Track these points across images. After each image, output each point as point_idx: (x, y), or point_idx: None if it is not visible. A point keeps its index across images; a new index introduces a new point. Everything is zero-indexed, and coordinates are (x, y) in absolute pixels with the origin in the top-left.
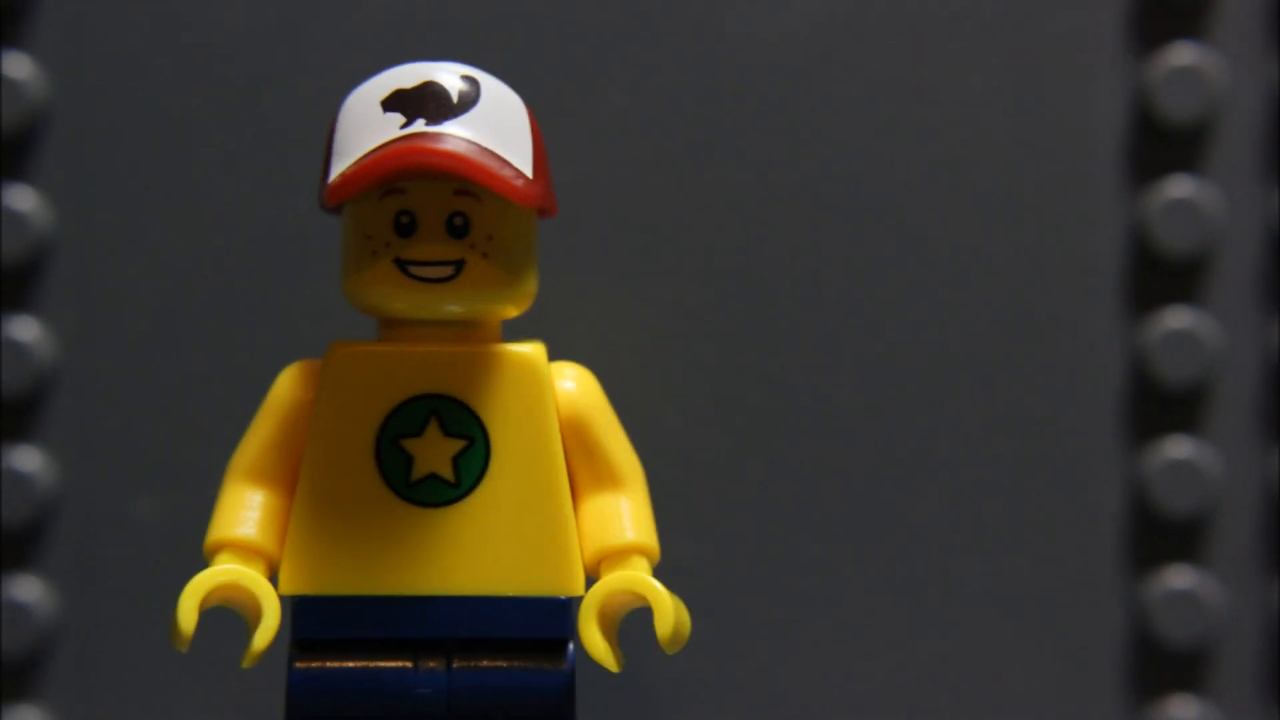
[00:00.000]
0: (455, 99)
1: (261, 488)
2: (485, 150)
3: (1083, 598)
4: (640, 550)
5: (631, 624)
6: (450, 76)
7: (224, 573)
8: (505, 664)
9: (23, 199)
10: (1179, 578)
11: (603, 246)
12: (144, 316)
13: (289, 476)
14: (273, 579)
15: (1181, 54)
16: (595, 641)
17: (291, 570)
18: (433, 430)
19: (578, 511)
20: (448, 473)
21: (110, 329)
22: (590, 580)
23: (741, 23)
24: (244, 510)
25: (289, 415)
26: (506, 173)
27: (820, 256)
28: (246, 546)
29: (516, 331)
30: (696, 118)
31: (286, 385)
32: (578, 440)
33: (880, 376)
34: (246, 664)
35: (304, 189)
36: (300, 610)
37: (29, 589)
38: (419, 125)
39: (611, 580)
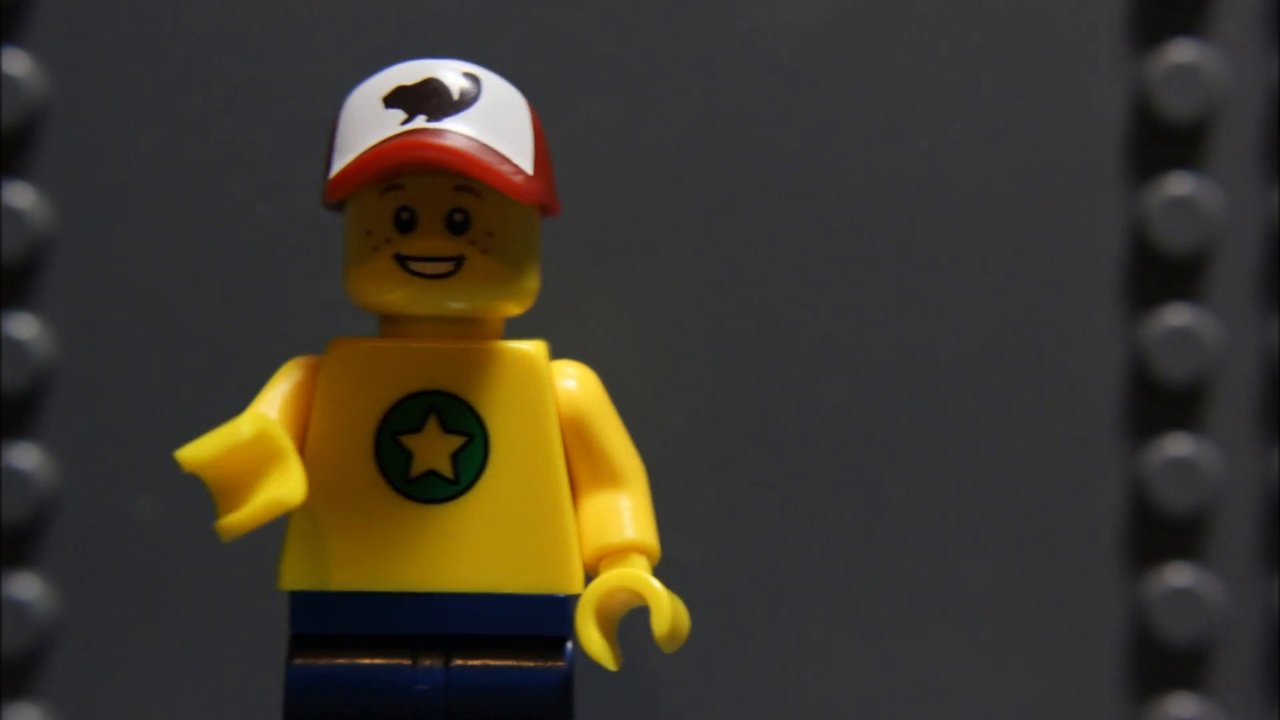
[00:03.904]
0: (456, 96)
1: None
2: (485, 146)
3: (1082, 596)
4: (640, 549)
5: (630, 622)
6: (452, 74)
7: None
8: (503, 661)
9: (22, 196)
10: (1179, 576)
11: (605, 246)
12: (143, 314)
13: (296, 435)
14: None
15: (1182, 51)
16: (593, 639)
17: (291, 566)
18: (432, 427)
19: (578, 510)
20: (446, 469)
21: (110, 327)
22: (590, 579)
23: (743, 22)
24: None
25: (295, 388)
26: (506, 169)
27: (820, 255)
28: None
29: (519, 329)
30: (698, 117)
31: (290, 367)
32: (578, 438)
33: (880, 375)
34: (224, 531)
35: (304, 186)
36: (299, 605)
37: (29, 588)
38: (419, 121)
39: (609, 578)
